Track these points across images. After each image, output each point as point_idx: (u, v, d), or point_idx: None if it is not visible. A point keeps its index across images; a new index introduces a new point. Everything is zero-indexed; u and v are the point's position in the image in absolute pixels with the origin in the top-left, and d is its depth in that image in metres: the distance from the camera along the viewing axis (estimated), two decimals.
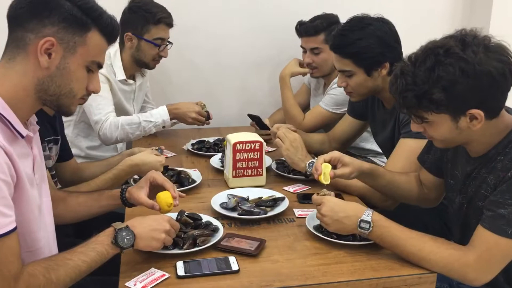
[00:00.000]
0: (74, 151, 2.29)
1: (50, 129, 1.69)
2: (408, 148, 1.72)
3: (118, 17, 1.23)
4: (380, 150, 2.27)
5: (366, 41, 1.76)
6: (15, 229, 1.02)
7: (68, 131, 2.31)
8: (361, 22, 1.80)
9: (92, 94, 2.04)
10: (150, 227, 1.25)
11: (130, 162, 1.75)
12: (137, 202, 1.43)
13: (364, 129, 2.22)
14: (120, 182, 1.74)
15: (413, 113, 1.26)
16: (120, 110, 2.34)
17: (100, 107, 2.15)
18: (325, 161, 1.54)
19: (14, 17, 1.09)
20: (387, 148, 1.96)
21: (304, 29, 2.44)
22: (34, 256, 1.14)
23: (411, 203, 1.69)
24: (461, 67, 1.16)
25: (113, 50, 2.29)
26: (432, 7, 2.95)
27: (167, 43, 2.32)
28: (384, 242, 1.31)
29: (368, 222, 1.31)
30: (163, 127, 2.24)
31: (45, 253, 1.17)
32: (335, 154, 1.56)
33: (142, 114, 2.24)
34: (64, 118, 2.23)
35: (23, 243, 1.10)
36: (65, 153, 1.84)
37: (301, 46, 2.50)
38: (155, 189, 1.45)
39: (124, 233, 1.19)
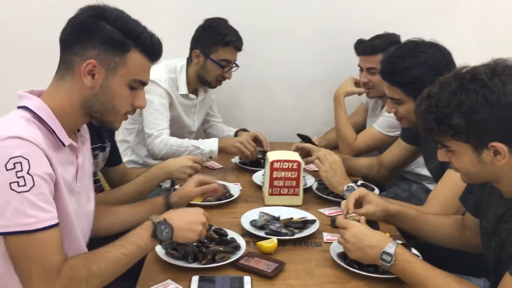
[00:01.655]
0: (133, 157, 2.45)
1: (96, 137, 1.78)
2: (454, 181, 1.61)
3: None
4: None
5: (417, 70, 1.67)
6: (57, 224, 1.09)
7: (131, 138, 2.45)
8: (413, 50, 1.72)
9: (152, 109, 2.16)
10: (187, 219, 1.30)
11: (159, 164, 1.84)
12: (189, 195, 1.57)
13: (417, 156, 2.12)
14: (151, 184, 1.80)
15: (433, 138, 1.20)
16: (179, 124, 2.43)
17: (155, 122, 2.24)
18: (355, 199, 1.52)
19: (63, 42, 1.20)
20: (438, 177, 1.86)
21: (362, 47, 2.40)
22: None
23: (456, 248, 1.57)
24: (485, 95, 1.09)
25: (180, 65, 2.38)
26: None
27: (233, 65, 2.36)
28: (406, 278, 1.25)
29: (391, 255, 1.26)
30: (210, 157, 2.25)
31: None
32: (362, 191, 1.54)
33: (193, 140, 2.27)
34: (128, 126, 2.41)
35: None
36: (114, 159, 1.93)
37: (358, 65, 2.45)
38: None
39: (162, 226, 1.23)
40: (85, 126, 1.33)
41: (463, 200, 1.47)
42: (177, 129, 2.40)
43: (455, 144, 1.17)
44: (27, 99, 1.17)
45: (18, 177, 1.03)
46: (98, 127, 1.77)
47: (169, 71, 2.33)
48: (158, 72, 2.30)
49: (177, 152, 2.21)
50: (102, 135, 1.83)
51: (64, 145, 1.18)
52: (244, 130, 2.58)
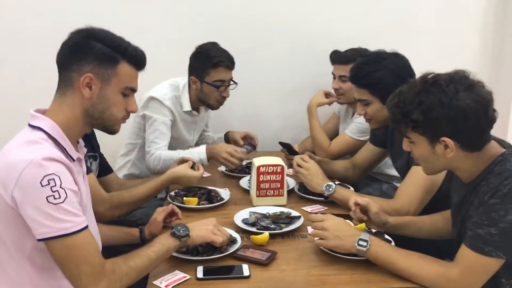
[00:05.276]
0: (133, 171, 2.60)
1: (88, 145, 1.92)
2: (417, 175, 1.85)
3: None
4: None
5: (380, 73, 1.93)
6: (87, 226, 1.26)
7: (134, 152, 2.60)
8: (376, 57, 1.99)
9: (154, 128, 2.40)
10: (200, 223, 1.56)
11: (173, 175, 2.04)
12: (158, 223, 1.77)
13: (384, 157, 2.36)
14: (161, 190, 2.02)
15: (397, 128, 1.45)
16: (181, 140, 2.58)
17: (155, 140, 2.41)
18: (356, 203, 1.68)
19: (60, 62, 1.36)
20: (404, 174, 2.09)
21: (336, 57, 2.65)
22: None
23: (447, 238, 1.73)
24: (440, 98, 1.33)
25: (183, 83, 2.52)
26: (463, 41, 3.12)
27: (229, 83, 2.49)
28: (379, 260, 1.46)
29: (366, 241, 1.47)
30: (202, 164, 2.38)
31: None
32: (364, 202, 1.68)
33: (183, 151, 2.41)
34: (131, 140, 2.57)
35: None
36: (104, 169, 2.12)
37: (332, 73, 2.70)
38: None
39: (179, 227, 1.48)
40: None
41: (446, 188, 1.67)
42: (179, 144, 2.54)
43: (414, 136, 1.41)
44: (40, 120, 1.32)
45: (53, 191, 1.19)
46: (89, 136, 1.96)
47: (173, 89, 2.48)
48: (163, 90, 2.46)
49: (169, 165, 2.30)
50: (93, 144, 2.01)
51: (73, 160, 1.35)
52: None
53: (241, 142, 2.63)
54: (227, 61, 2.44)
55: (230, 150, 2.33)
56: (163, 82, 2.53)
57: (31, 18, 2.82)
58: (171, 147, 2.46)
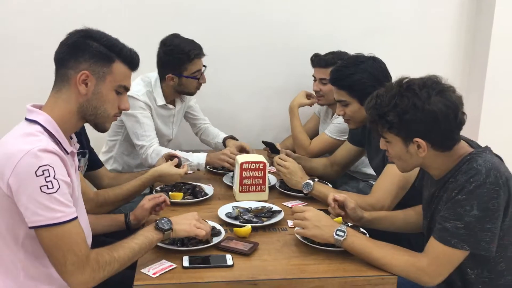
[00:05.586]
0: (115, 166, 2.65)
1: (77, 142, 2.02)
2: (392, 172, 1.96)
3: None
4: None
5: (358, 75, 2.05)
6: (77, 217, 1.32)
7: (114, 149, 2.66)
8: (355, 60, 2.10)
9: (139, 123, 2.44)
10: (183, 217, 1.61)
11: (156, 173, 2.09)
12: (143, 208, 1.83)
13: (361, 155, 2.47)
14: (145, 187, 2.08)
15: (374, 128, 1.55)
16: (158, 133, 2.60)
17: (144, 133, 2.45)
18: (335, 199, 1.79)
19: (58, 60, 1.43)
20: (380, 172, 2.20)
21: (317, 60, 2.75)
22: None
23: (419, 231, 1.84)
24: (414, 101, 1.43)
25: (154, 78, 2.54)
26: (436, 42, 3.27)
27: (203, 69, 2.53)
28: (355, 250, 1.56)
29: (343, 231, 1.57)
30: (198, 169, 2.45)
31: None
32: (341, 198, 1.79)
33: (184, 152, 2.43)
34: (111, 137, 2.62)
35: None
36: (94, 163, 2.18)
37: (312, 76, 2.80)
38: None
39: (163, 220, 1.54)
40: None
41: (419, 185, 1.78)
42: (157, 138, 2.57)
43: (390, 136, 1.51)
44: (37, 114, 1.39)
45: (47, 181, 1.25)
46: (78, 134, 2.02)
47: (145, 85, 2.52)
48: (136, 87, 2.49)
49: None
50: (82, 141, 2.06)
51: (68, 153, 1.42)
52: (232, 137, 2.78)
53: None
54: (200, 52, 2.48)
55: (225, 152, 2.41)
56: (136, 79, 2.55)
57: (20, 20, 2.88)
58: None
